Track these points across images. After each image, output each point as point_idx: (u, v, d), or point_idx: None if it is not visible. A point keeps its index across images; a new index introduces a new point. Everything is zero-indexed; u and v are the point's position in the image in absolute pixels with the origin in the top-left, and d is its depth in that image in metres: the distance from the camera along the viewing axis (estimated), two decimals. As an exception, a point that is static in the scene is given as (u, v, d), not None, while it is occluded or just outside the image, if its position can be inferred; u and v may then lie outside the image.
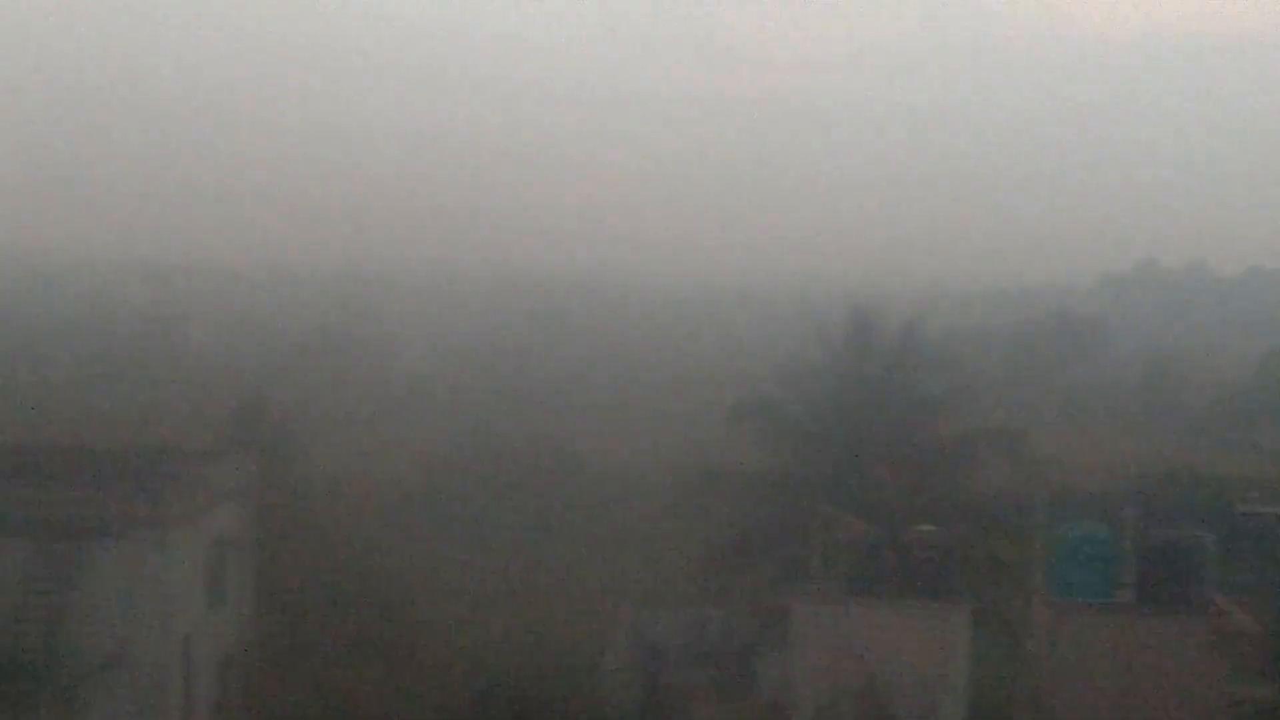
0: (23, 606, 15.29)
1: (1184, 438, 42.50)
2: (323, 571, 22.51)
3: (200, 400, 51.70)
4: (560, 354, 78.29)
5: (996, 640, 18.66)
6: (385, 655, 19.92)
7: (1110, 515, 26.58)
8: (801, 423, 21.45)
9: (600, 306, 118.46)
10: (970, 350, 46.63)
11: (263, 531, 20.16)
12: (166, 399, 58.58)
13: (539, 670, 19.49)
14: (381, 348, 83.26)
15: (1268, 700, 20.12)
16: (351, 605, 21.76)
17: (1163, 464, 32.52)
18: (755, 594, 19.63)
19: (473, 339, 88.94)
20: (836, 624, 16.19)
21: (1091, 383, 61.57)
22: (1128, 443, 39.74)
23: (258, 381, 48.83)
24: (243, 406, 33.97)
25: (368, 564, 23.90)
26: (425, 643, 20.97)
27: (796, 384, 21.89)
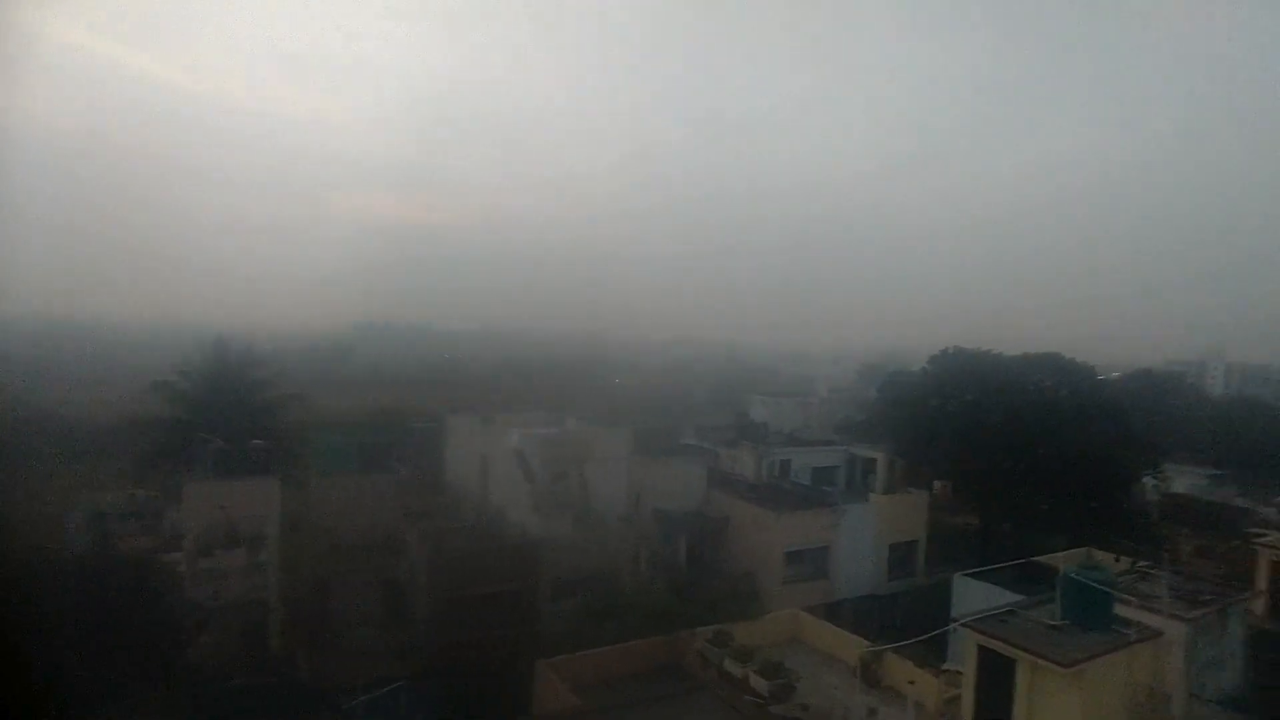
0: None
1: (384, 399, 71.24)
2: None
3: None
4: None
5: (300, 497, 35.81)
6: None
7: (353, 433, 47.57)
8: (190, 393, 35.73)
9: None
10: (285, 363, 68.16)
11: None
12: None
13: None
14: None
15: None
16: None
17: (379, 408, 56.43)
18: (167, 479, 32.63)
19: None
20: (213, 496, 29.82)
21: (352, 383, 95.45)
22: (362, 405, 64.76)
23: None
24: None
25: None
26: None
27: (188, 376, 36.34)
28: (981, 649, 18.23)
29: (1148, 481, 49.96)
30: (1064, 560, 22.68)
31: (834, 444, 48.77)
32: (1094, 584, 18.59)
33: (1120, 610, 19.05)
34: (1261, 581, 27.22)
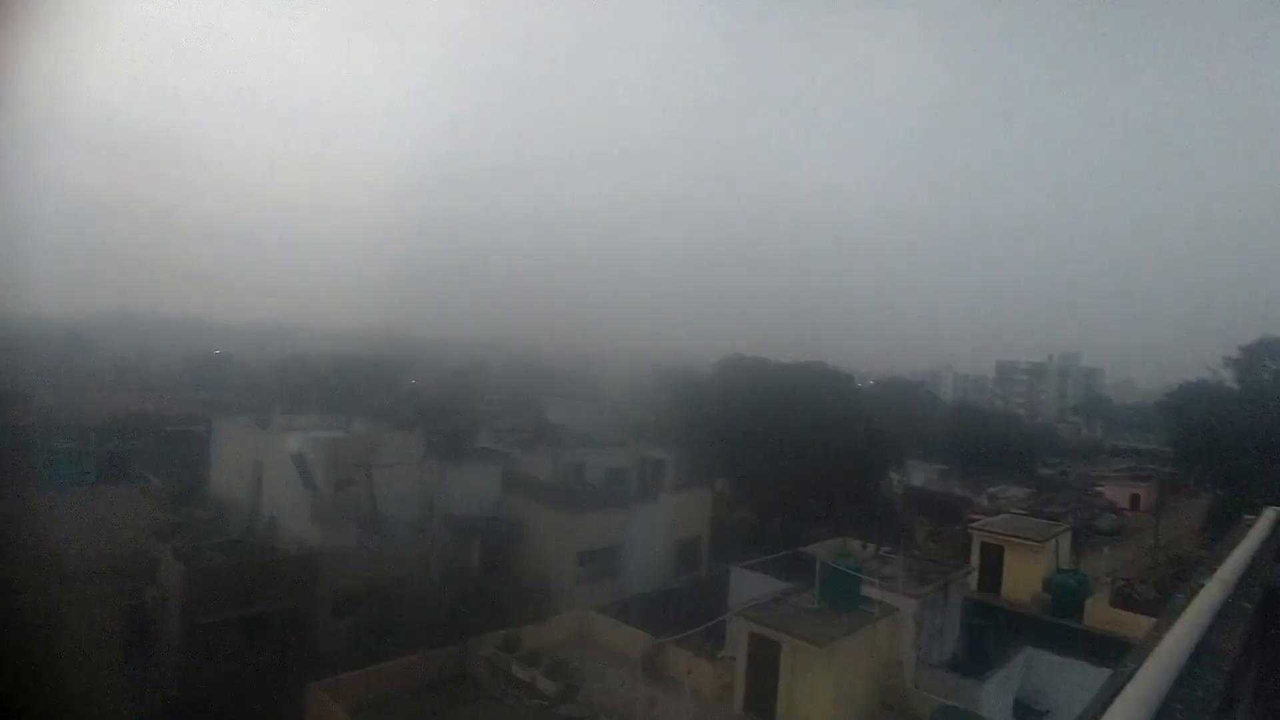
0: None
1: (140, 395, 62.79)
2: None
3: None
4: None
5: (17, 515, 30.60)
6: None
7: (92, 439, 41.62)
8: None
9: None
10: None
11: None
12: None
13: None
14: None
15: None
16: None
17: (127, 410, 49.92)
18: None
19: None
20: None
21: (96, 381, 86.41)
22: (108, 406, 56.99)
23: None
24: None
25: None
26: None
27: None
28: (751, 634, 19.80)
29: (893, 476, 57.00)
30: (822, 550, 25.23)
31: (626, 445, 50.43)
32: (845, 570, 20.90)
33: (867, 591, 21.58)
34: (975, 559, 32.08)
